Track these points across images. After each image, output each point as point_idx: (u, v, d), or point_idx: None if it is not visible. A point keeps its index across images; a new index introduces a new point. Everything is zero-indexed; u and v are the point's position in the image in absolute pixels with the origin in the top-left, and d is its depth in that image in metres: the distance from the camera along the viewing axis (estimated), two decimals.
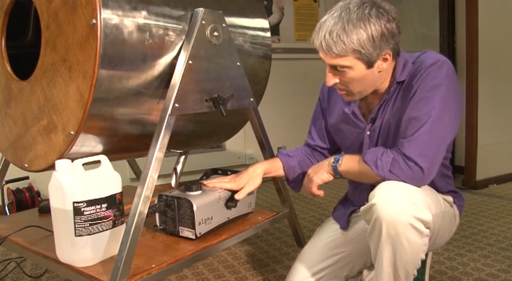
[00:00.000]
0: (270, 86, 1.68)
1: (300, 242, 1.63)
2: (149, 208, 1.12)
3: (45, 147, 1.19)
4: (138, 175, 2.00)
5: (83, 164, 1.11)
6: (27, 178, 2.40)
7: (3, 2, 1.32)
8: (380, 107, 1.16)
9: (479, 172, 2.87)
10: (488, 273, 1.60)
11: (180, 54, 1.22)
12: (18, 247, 1.29)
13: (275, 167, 1.37)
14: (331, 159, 1.16)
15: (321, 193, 1.19)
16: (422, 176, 1.00)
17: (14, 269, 1.73)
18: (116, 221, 1.14)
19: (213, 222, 1.29)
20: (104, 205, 1.10)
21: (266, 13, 1.65)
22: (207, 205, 1.26)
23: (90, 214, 1.08)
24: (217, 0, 1.42)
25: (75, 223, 1.07)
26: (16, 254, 1.64)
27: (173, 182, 1.55)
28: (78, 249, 1.10)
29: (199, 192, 1.28)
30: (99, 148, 1.23)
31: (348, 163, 1.13)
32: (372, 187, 1.04)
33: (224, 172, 1.49)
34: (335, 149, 1.39)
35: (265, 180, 1.39)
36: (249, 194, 1.41)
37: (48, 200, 1.17)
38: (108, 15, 1.06)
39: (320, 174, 1.17)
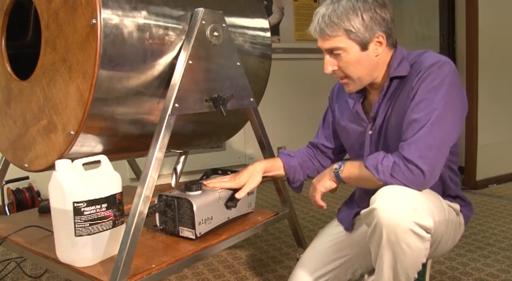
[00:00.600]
0: (270, 86, 1.68)
1: (300, 242, 1.63)
2: (149, 208, 1.12)
3: (45, 147, 1.19)
4: (138, 175, 2.00)
5: (83, 164, 1.11)
6: (27, 178, 2.40)
7: (3, 2, 1.32)
8: (379, 105, 1.16)
9: (479, 172, 2.87)
10: (488, 273, 1.60)
11: (180, 54, 1.22)
12: (18, 247, 1.29)
13: (275, 166, 1.37)
14: (334, 166, 1.16)
15: (323, 204, 1.20)
16: (424, 178, 0.99)
17: (14, 269, 1.73)
18: (116, 221, 1.14)
19: (213, 222, 1.29)
20: (104, 205, 1.10)
21: (266, 13, 1.65)
22: (207, 205, 1.26)
23: (90, 214, 1.08)
24: (217, 0, 1.42)
25: (75, 223, 1.07)
26: (16, 254, 1.64)
27: (173, 182, 1.55)
28: (78, 249, 1.09)
29: (199, 192, 1.28)
30: (99, 148, 1.23)
31: (350, 169, 1.12)
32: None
33: (224, 172, 1.48)
34: (340, 151, 1.39)
35: (265, 180, 1.39)
36: (249, 193, 1.41)
37: (48, 200, 1.17)
38: (108, 15, 1.05)
39: (323, 182, 1.17)
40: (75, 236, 1.08)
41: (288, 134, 3.25)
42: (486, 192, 2.78)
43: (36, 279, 1.69)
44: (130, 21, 1.11)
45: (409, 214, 0.94)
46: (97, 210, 1.09)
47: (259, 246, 1.98)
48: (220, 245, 1.29)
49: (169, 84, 1.20)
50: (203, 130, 1.55)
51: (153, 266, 1.10)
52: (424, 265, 1.36)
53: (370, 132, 1.19)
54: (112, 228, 1.13)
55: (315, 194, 1.19)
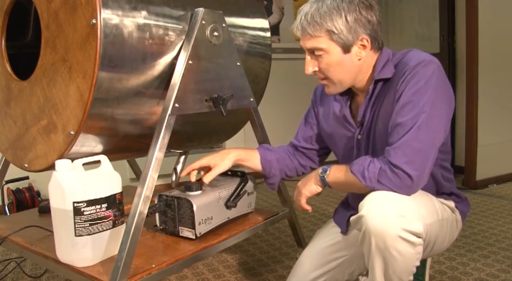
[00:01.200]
0: (270, 86, 1.68)
1: (300, 242, 1.63)
2: (149, 208, 1.12)
3: (45, 147, 1.19)
4: (138, 175, 1.99)
5: (83, 164, 1.11)
6: (27, 178, 2.40)
7: (3, 2, 1.32)
8: (366, 109, 1.13)
9: (479, 172, 2.87)
10: (488, 273, 1.60)
11: (180, 54, 1.22)
12: (18, 247, 1.29)
13: (251, 157, 1.33)
14: (319, 170, 1.13)
15: (309, 208, 1.17)
16: (412, 183, 0.97)
17: (14, 269, 1.73)
18: (116, 221, 1.14)
19: (213, 222, 1.29)
20: (104, 205, 1.10)
21: (266, 13, 1.65)
22: (207, 205, 1.26)
23: (90, 214, 1.08)
24: (217, 0, 1.42)
25: (75, 223, 1.07)
26: (16, 254, 1.64)
27: (173, 182, 1.55)
28: (78, 249, 1.09)
29: (199, 192, 1.28)
30: (99, 148, 1.23)
31: (336, 173, 1.10)
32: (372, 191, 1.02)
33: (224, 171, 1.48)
34: (322, 153, 1.36)
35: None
36: (249, 194, 1.42)
37: (48, 200, 1.17)
38: (108, 15, 1.06)
39: (308, 186, 1.15)
40: (75, 236, 1.08)
41: (288, 134, 3.24)
42: (486, 192, 2.78)
43: (36, 279, 1.69)
44: (130, 21, 1.11)
45: (396, 220, 0.92)
46: (97, 210, 1.09)
47: (259, 246, 1.98)
48: (220, 245, 1.29)
49: (169, 84, 1.20)
50: (203, 130, 1.55)
51: (153, 266, 1.10)
52: (424, 265, 1.36)
53: (358, 137, 1.17)
54: (112, 228, 1.13)
55: (300, 198, 1.17)
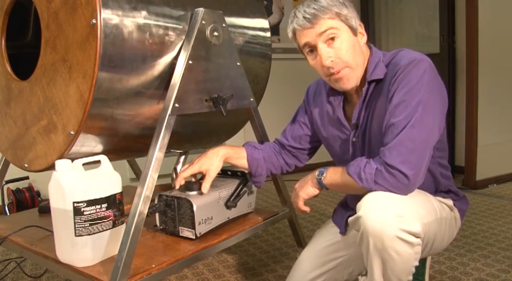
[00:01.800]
0: (270, 86, 1.68)
1: (300, 242, 1.63)
2: (149, 208, 1.12)
3: (45, 147, 1.19)
4: (138, 175, 2.00)
5: (83, 164, 1.11)
6: (27, 178, 2.40)
7: (3, 2, 1.32)
8: (360, 111, 1.13)
9: (479, 172, 2.87)
10: (488, 273, 1.60)
11: (180, 54, 1.22)
12: (18, 247, 1.29)
13: (238, 155, 1.33)
14: (316, 172, 1.13)
15: (307, 209, 1.18)
16: (408, 183, 0.97)
17: (14, 269, 1.73)
18: (116, 221, 1.14)
19: (213, 222, 1.29)
20: (104, 205, 1.10)
21: (266, 13, 1.65)
22: (207, 205, 1.26)
23: (90, 214, 1.08)
24: (217, 0, 1.42)
25: (75, 223, 1.07)
26: (16, 254, 1.64)
27: (173, 182, 1.55)
28: (78, 249, 1.09)
29: (199, 192, 1.28)
30: (99, 148, 1.23)
31: (333, 176, 1.10)
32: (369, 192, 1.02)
33: (224, 171, 1.48)
34: (309, 152, 1.36)
35: (266, 180, 1.38)
36: (248, 194, 1.42)
37: (48, 200, 1.17)
38: (108, 15, 1.06)
39: (306, 188, 1.15)
40: (75, 236, 1.08)
41: None
42: (486, 192, 2.78)
43: (36, 279, 1.69)
44: (130, 21, 1.11)
45: (394, 221, 0.92)
46: (97, 210, 1.09)
47: (259, 246, 1.98)
48: (220, 245, 1.29)
49: (169, 84, 1.20)
50: (203, 130, 1.55)
51: (153, 266, 1.10)
52: (424, 265, 1.36)
53: (354, 140, 1.17)
54: (112, 228, 1.13)
55: (298, 201, 1.17)
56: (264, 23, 1.60)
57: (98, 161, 1.16)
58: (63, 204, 1.07)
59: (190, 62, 1.21)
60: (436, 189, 1.16)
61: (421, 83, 1.01)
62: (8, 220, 1.63)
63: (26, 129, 1.25)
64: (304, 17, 1.07)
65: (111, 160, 1.18)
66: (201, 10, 1.25)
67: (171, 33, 1.21)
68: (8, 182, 2.35)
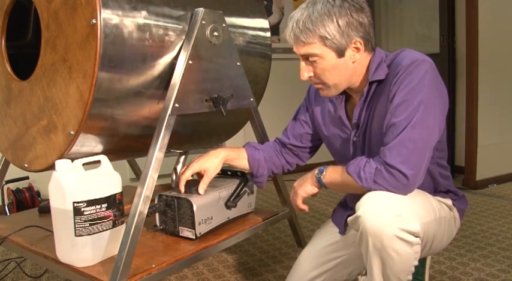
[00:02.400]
0: (270, 86, 1.68)
1: (300, 242, 1.63)
2: (149, 208, 1.12)
3: (45, 147, 1.19)
4: (138, 175, 2.00)
5: (83, 164, 1.11)
6: (27, 178, 2.40)
7: (3, 2, 1.32)
8: (361, 111, 1.13)
9: (479, 172, 2.87)
10: (488, 273, 1.61)
11: (180, 54, 1.22)
12: (18, 247, 1.29)
13: (239, 156, 1.33)
14: (316, 170, 1.13)
15: (305, 207, 1.18)
16: (408, 183, 0.97)
17: (14, 269, 1.73)
18: (116, 221, 1.14)
19: (213, 222, 1.29)
20: (104, 205, 1.10)
21: (266, 13, 1.66)
22: (207, 205, 1.26)
23: (90, 214, 1.08)
24: (217, 0, 1.42)
25: (75, 223, 1.07)
26: (16, 254, 1.64)
27: (173, 182, 1.55)
28: (78, 249, 1.09)
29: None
30: (99, 148, 1.23)
31: (332, 174, 1.10)
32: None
33: (224, 171, 1.48)
34: (310, 150, 1.36)
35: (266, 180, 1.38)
36: (248, 194, 1.42)
37: (48, 200, 1.17)
38: (108, 15, 1.06)
39: (305, 187, 1.15)
40: (75, 236, 1.08)
41: None
42: (486, 192, 2.78)
43: (36, 279, 1.69)
44: (130, 21, 1.11)
45: (393, 220, 0.92)
46: (97, 210, 1.09)
47: (259, 246, 1.98)
48: (220, 245, 1.29)
49: (169, 84, 1.20)
50: (203, 130, 1.55)
51: (153, 266, 1.10)
52: (423, 265, 1.36)
53: (354, 139, 1.17)
54: (112, 228, 1.13)
55: (296, 199, 1.17)
56: (264, 23, 1.60)
57: (98, 161, 1.16)
58: (63, 204, 1.07)
59: (190, 62, 1.21)
60: (435, 189, 1.16)
61: (422, 83, 1.01)
62: (8, 220, 1.63)
63: (26, 129, 1.25)
64: (290, 34, 1.08)
65: (111, 160, 1.18)
66: (201, 10, 1.25)
67: (171, 33, 1.21)
68: (8, 182, 2.35)
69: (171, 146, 1.36)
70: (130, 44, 1.12)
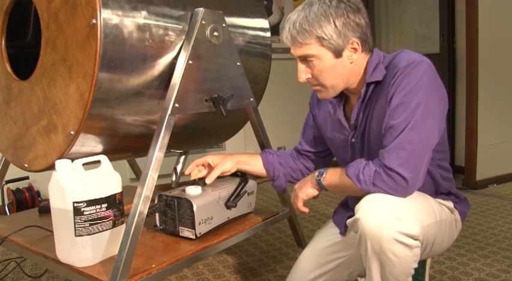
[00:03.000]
0: (270, 86, 1.68)
1: (300, 242, 1.63)
2: (149, 208, 1.12)
3: (45, 147, 1.19)
4: (138, 175, 2.00)
5: (83, 164, 1.11)
6: (27, 178, 2.40)
7: (3, 2, 1.32)
8: (358, 112, 1.13)
9: (479, 172, 2.87)
10: (488, 273, 1.61)
11: (180, 54, 1.22)
12: (18, 247, 1.29)
13: (253, 161, 1.36)
14: (316, 173, 1.14)
15: (306, 209, 1.18)
16: (407, 185, 0.97)
17: (14, 269, 1.73)
18: (116, 221, 1.14)
19: (213, 222, 1.29)
20: (104, 205, 1.10)
21: (266, 13, 1.66)
22: (207, 205, 1.26)
23: (90, 214, 1.08)
24: (217, 0, 1.42)
25: (75, 223, 1.07)
26: (16, 254, 1.64)
27: (173, 182, 1.55)
28: (78, 249, 1.10)
29: (199, 192, 1.28)
30: (99, 148, 1.23)
31: (332, 177, 1.10)
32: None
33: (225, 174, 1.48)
34: (325, 154, 1.37)
35: (265, 180, 1.38)
36: (248, 194, 1.42)
37: (48, 200, 1.17)
38: (108, 15, 1.06)
39: (305, 189, 1.15)
40: (75, 236, 1.08)
41: (288, 134, 3.25)
42: (486, 192, 2.78)
43: (36, 279, 1.69)
44: (130, 21, 1.11)
45: (391, 223, 0.92)
46: (97, 210, 1.09)
47: (259, 246, 1.98)
48: (220, 245, 1.29)
49: (169, 84, 1.20)
50: (203, 130, 1.55)
51: (153, 266, 1.10)
52: (424, 265, 1.36)
53: (353, 141, 1.17)
54: (112, 228, 1.13)
55: (297, 201, 1.18)
56: (264, 23, 1.60)
57: (98, 161, 1.16)
58: (63, 204, 1.07)
59: (190, 62, 1.21)
60: (436, 191, 1.16)
61: (420, 84, 1.00)
62: (8, 220, 1.63)
63: (26, 129, 1.25)
64: (287, 36, 1.08)
65: (111, 160, 1.18)
66: (201, 10, 1.25)
67: (171, 33, 1.21)
68: (8, 182, 2.35)
69: (171, 146, 1.36)
70: (130, 44, 1.12)
